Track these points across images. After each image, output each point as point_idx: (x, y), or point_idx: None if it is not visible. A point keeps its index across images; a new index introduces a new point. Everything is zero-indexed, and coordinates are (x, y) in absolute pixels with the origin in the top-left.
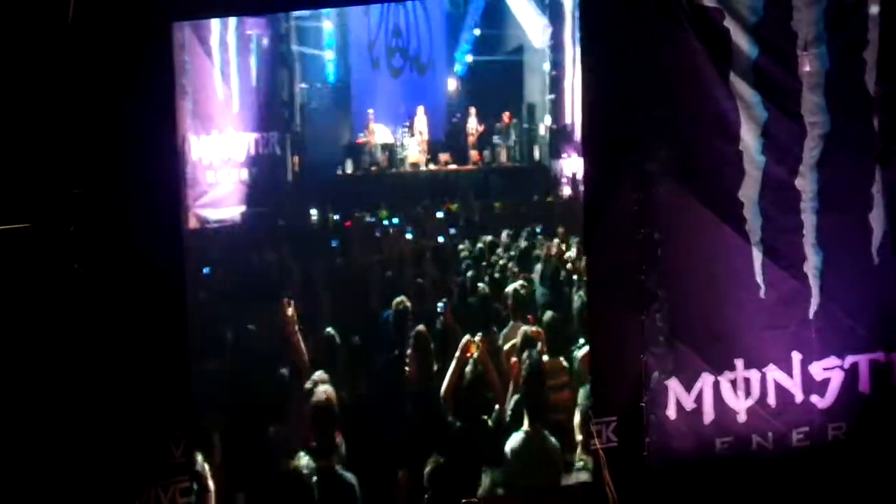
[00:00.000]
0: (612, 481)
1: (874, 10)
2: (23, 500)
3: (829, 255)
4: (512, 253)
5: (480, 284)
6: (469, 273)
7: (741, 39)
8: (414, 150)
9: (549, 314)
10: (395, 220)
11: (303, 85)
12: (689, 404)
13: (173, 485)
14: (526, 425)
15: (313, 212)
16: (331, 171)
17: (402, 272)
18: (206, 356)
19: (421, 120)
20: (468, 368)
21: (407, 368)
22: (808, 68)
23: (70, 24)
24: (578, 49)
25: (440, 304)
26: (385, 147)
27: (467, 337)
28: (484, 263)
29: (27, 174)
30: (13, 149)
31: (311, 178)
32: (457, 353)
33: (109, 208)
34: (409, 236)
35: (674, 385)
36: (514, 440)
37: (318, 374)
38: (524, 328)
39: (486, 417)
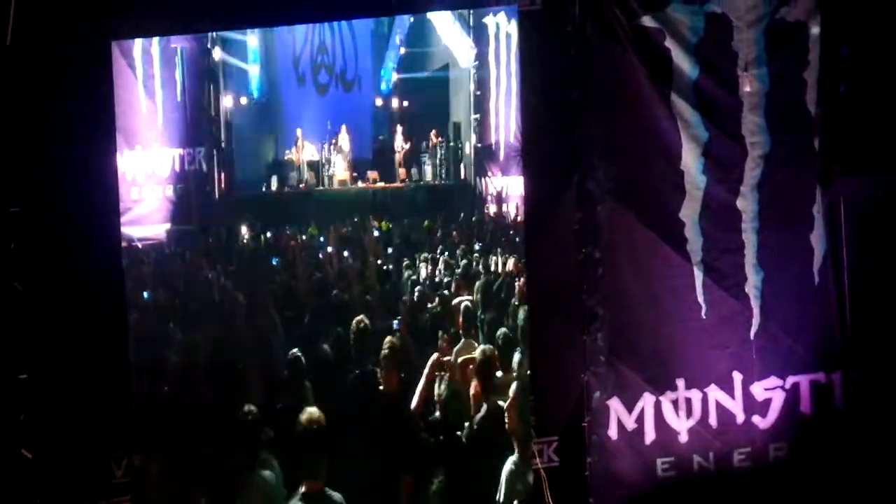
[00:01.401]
0: (553, 501)
1: (815, 30)
2: None
3: (769, 276)
4: (458, 271)
5: (430, 304)
6: (417, 291)
7: (682, 60)
8: (340, 168)
9: (502, 331)
10: (322, 238)
11: (228, 100)
12: (630, 424)
13: None
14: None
15: (244, 229)
16: (257, 187)
17: (348, 290)
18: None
19: (344, 138)
20: (443, 385)
21: (381, 382)
22: (748, 88)
23: (9, 44)
24: (504, 71)
25: (395, 322)
26: (311, 165)
27: (436, 354)
28: (427, 281)
29: None
30: None
31: (238, 194)
32: (425, 370)
33: (48, 226)
34: (345, 253)
35: (615, 405)
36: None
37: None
38: (482, 347)
39: (459, 433)
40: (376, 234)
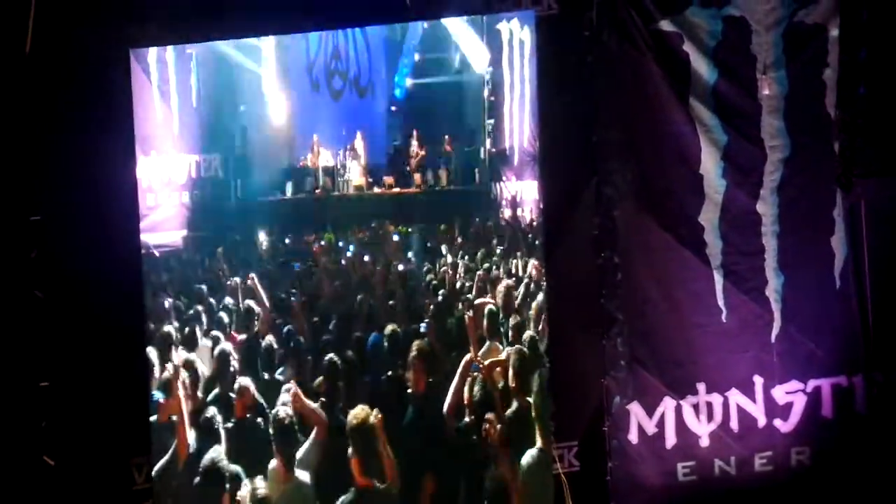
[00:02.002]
0: None
1: (833, 33)
2: None
3: (790, 279)
4: (479, 274)
5: (454, 308)
6: (440, 294)
7: (700, 63)
8: (356, 174)
9: (528, 334)
10: (340, 243)
11: (242, 106)
12: (651, 429)
13: None
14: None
15: (261, 235)
16: (271, 193)
17: (371, 295)
18: None
19: (359, 143)
20: (476, 387)
21: (409, 385)
22: (767, 92)
23: (28, 54)
24: (517, 76)
25: (423, 325)
26: (327, 170)
27: (469, 355)
28: (448, 285)
29: None
30: None
31: (253, 201)
32: (458, 371)
33: (68, 234)
34: (366, 258)
35: (635, 409)
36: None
37: None
38: (517, 348)
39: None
40: (395, 238)
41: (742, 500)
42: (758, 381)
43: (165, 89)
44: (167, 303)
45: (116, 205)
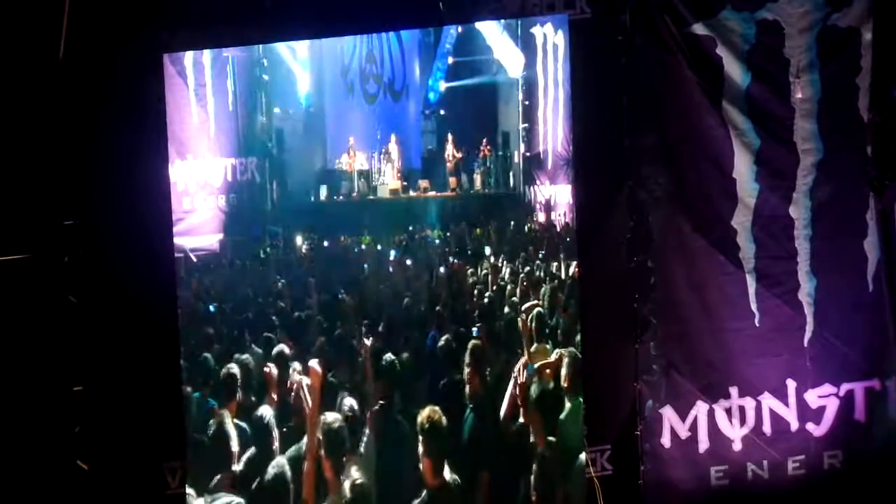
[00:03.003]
0: None
1: (867, 36)
2: None
3: (823, 283)
4: (521, 277)
5: (506, 309)
6: (486, 298)
7: (733, 67)
8: (391, 177)
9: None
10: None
11: (277, 109)
12: (683, 433)
13: None
14: None
15: (299, 239)
16: (306, 197)
17: (417, 299)
18: None
19: (394, 147)
20: (533, 387)
21: (468, 385)
22: (800, 95)
23: (62, 60)
24: (552, 80)
25: (475, 329)
26: (362, 174)
27: (524, 358)
28: (495, 288)
29: (22, 206)
30: (7, 181)
31: (290, 204)
32: (513, 375)
33: (102, 239)
34: (408, 262)
35: (668, 413)
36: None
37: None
38: (569, 350)
39: (551, 438)
40: (437, 242)
41: (774, 503)
42: (791, 384)
43: (202, 93)
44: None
45: (150, 209)
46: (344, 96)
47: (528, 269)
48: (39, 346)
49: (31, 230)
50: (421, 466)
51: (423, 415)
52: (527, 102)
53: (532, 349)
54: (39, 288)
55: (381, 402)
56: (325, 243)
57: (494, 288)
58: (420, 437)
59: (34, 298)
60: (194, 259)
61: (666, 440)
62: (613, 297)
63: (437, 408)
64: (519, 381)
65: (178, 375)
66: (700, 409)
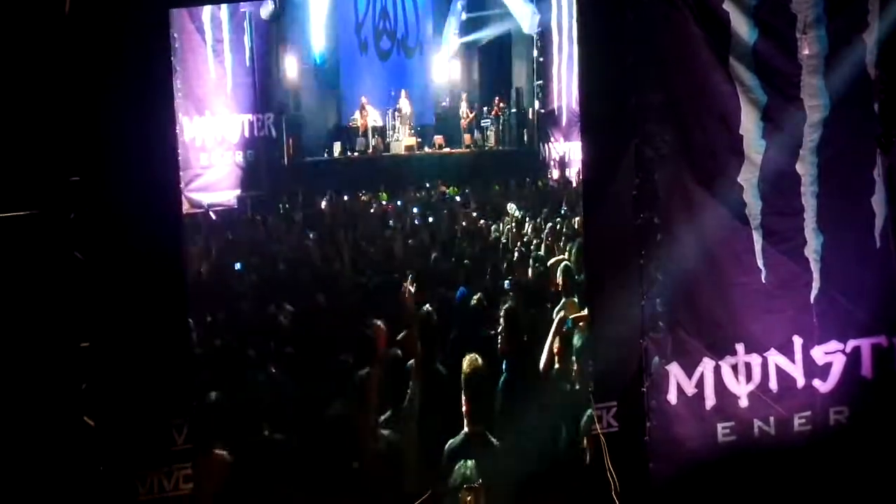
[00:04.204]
0: (612, 466)
1: None
2: (24, 488)
3: (830, 239)
4: (545, 233)
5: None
6: (516, 252)
7: (740, 23)
8: (406, 134)
9: None
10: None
11: (293, 66)
12: (690, 389)
13: (176, 471)
14: None
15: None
16: (320, 153)
17: (445, 253)
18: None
19: (405, 102)
20: (576, 339)
21: (500, 342)
22: (807, 51)
23: (67, 13)
24: (566, 37)
25: (506, 283)
26: (377, 130)
27: (563, 312)
28: (519, 244)
29: (27, 162)
30: (12, 137)
31: (305, 160)
32: (553, 328)
33: (108, 195)
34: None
35: (675, 370)
36: None
37: None
38: None
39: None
40: (457, 198)
41: (781, 459)
42: (797, 341)
43: (219, 48)
44: None
45: (157, 165)
46: (357, 53)
47: (549, 224)
48: (46, 302)
49: (36, 186)
50: (463, 411)
51: (466, 361)
52: (541, 59)
53: (561, 304)
54: (45, 244)
55: (420, 353)
56: (346, 198)
57: (519, 244)
58: (462, 383)
59: (40, 255)
60: (213, 216)
61: (672, 397)
62: (619, 254)
63: (476, 355)
64: (559, 335)
65: (186, 332)
66: (706, 365)
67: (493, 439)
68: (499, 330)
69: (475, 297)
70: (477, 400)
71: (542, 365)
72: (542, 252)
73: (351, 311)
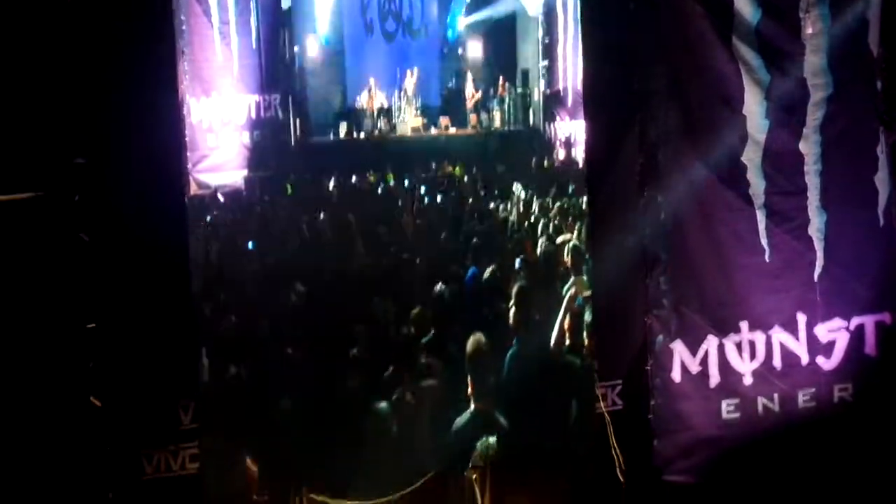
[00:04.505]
0: (617, 444)
1: None
2: (31, 468)
3: (833, 217)
4: (551, 213)
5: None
6: (523, 232)
7: (743, 2)
8: (411, 115)
9: None
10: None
11: (297, 47)
12: (694, 367)
13: (182, 451)
14: None
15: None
16: (327, 134)
17: (455, 233)
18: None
19: (410, 83)
20: (587, 316)
21: (511, 320)
22: (810, 30)
23: None
24: (571, 17)
25: (518, 262)
26: (382, 112)
27: (574, 289)
28: (526, 224)
29: (31, 144)
30: (16, 119)
31: (312, 141)
32: (563, 306)
33: (113, 177)
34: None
35: (679, 348)
36: None
37: None
38: None
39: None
40: (465, 179)
41: (785, 436)
42: (801, 319)
43: (226, 31)
44: None
45: (161, 147)
46: (363, 35)
47: (557, 204)
48: (52, 284)
49: (41, 168)
50: (469, 390)
51: (470, 341)
52: (547, 40)
53: (570, 282)
54: (50, 226)
55: (433, 331)
56: (353, 179)
57: (526, 224)
58: (466, 363)
59: (45, 237)
60: (221, 198)
61: (676, 375)
62: (623, 233)
63: (480, 334)
64: (570, 312)
65: (191, 312)
66: (710, 343)
67: (499, 417)
68: (510, 306)
69: (489, 269)
70: (481, 378)
71: (552, 342)
72: (550, 231)
73: (365, 291)
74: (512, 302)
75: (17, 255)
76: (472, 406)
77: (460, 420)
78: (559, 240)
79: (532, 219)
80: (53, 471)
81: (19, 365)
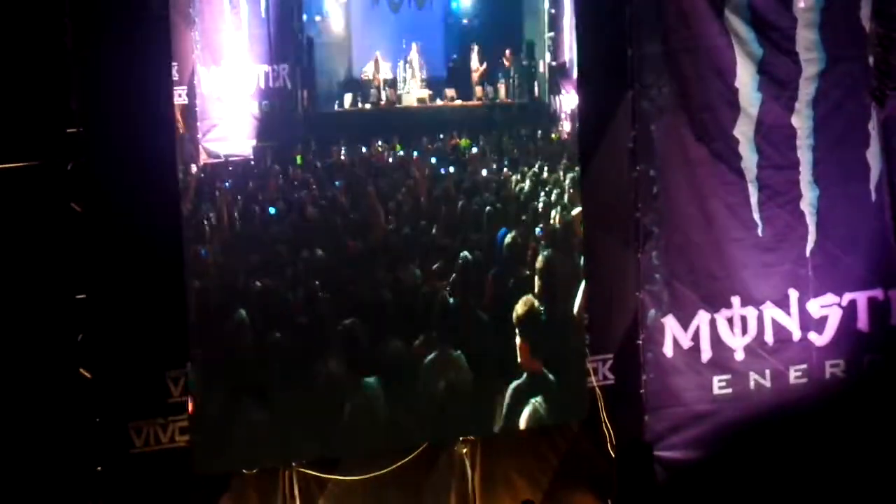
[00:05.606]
0: (608, 419)
1: None
2: (21, 439)
3: (825, 193)
4: (566, 184)
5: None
6: (542, 202)
7: None
8: (417, 86)
9: None
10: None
11: (305, 16)
12: (686, 342)
13: (172, 423)
14: None
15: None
16: (334, 105)
17: (469, 202)
18: None
19: (414, 56)
20: None
21: (537, 290)
22: (802, 5)
23: None
24: None
25: (538, 230)
26: (388, 82)
27: None
28: (539, 194)
29: (24, 114)
30: (10, 89)
31: (319, 112)
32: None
33: (105, 147)
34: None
35: (670, 323)
36: None
37: None
38: None
39: None
40: (475, 150)
41: (776, 412)
42: (793, 294)
43: (236, 1)
44: None
45: (153, 116)
46: (369, 5)
47: (571, 175)
48: (42, 254)
49: (34, 138)
50: (518, 352)
51: (521, 303)
52: (553, 10)
53: None
54: (43, 196)
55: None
56: (364, 150)
57: (542, 194)
58: (518, 325)
59: (37, 206)
60: (230, 167)
61: (668, 349)
62: (616, 207)
63: (530, 296)
64: None
65: (181, 285)
66: (702, 318)
67: (551, 376)
68: (536, 275)
69: (509, 236)
70: (534, 339)
71: (576, 310)
72: (565, 202)
73: (390, 258)
74: (538, 271)
75: (8, 224)
76: (525, 367)
77: (518, 382)
78: (575, 211)
79: (547, 189)
80: (44, 443)
81: (9, 335)
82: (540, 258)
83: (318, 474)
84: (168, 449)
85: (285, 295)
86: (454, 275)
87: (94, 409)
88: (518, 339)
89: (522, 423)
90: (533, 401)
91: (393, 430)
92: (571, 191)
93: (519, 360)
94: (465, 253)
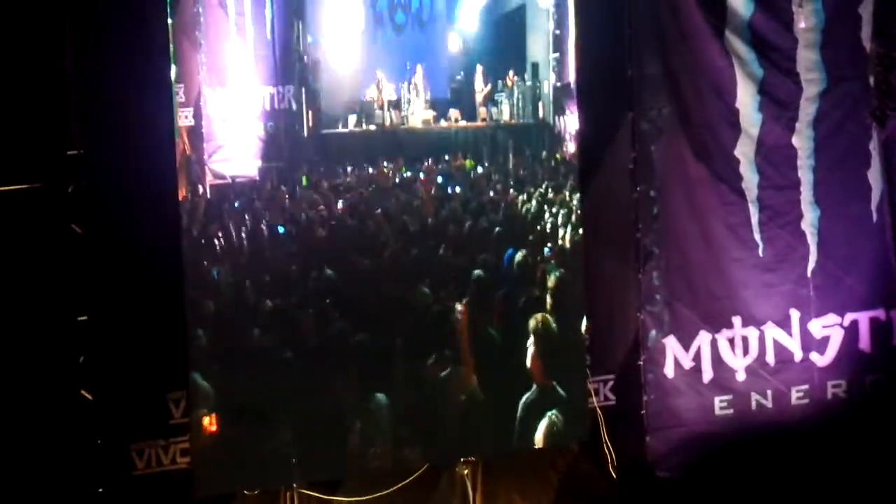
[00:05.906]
0: (609, 440)
1: None
2: (23, 461)
3: (826, 213)
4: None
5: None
6: (548, 221)
7: None
8: (421, 107)
9: None
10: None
11: (310, 37)
12: (687, 363)
13: (173, 445)
14: None
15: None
16: (338, 126)
17: (476, 223)
18: None
19: (419, 77)
20: None
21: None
22: (803, 25)
23: None
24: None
25: (546, 249)
26: (391, 103)
27: None
28: (548, 215)
29: (25, 136)
30: (11, 110)
31: (324, 133)
32: None
33: (106, 169)
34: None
35: (672, 343)
36: None
37: None
38: None
39: None
40: (480, 170)
41: (778, 432)
42: (794, 314)
43: (241, 22)
44: None
45: (154, 139)
46: (372, 26)
47: (577, 195)
48: (44, 276)
49: (35, 161)
50: (529, 366)
51: (535, 319)
52: (557, 31)
53: None
54: (43, 218)
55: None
56: (370, 170)
57: (548, 214)
58: (533, 340)
59: (38, 228)
60: (236, 189)
61: (669, 370)
62: (616, 227)
63: (545, 313)
64: None
65: (181, 307)
66: (703, 339)
67: (562, 392)
68: (548, 294)
69: (518, 255)
70: (548, 355)
71: (583, 328)
72: (573, 221)
73: (399, 279)
74: (549, 290)
75: (10, 246)
76: (536, 383)
77: (529, 396)
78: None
79: (553, 210)
80: (45, 465)
81: (11, 357)
82: (552, 277)
83: (320, 495)
84: (170, 471)
85: (294, 314)
86: (467, 294)
87: (95, 431)
88: (530, 352)
89: (539, 439)
90: (549, 414)
91: (403, 449)
92: (579, 211)
93: (531, 373)
94: (479, 272)
